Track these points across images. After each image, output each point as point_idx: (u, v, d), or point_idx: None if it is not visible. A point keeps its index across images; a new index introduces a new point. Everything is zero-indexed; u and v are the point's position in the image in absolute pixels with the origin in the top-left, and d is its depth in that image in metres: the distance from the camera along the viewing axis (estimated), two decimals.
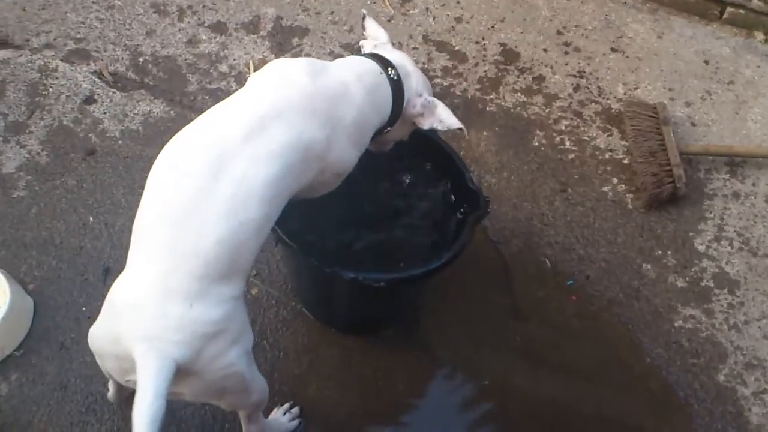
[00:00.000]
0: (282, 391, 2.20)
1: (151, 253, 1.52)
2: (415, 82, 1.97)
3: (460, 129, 1.95)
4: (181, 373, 1.49)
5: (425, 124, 1.97)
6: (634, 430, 2.25)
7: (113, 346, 1.55)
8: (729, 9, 3.34)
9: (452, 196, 2.22)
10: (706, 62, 3.22)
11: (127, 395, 2.13)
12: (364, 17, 2.10)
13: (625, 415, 2.27)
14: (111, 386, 2.07)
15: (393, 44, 2.09)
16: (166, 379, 1.45)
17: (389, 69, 1.90)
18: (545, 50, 3.23)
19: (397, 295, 2.25)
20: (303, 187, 1.75)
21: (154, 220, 1.55)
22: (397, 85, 1.90)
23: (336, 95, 1.76)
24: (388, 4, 3.35)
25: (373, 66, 1.90)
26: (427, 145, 2.22)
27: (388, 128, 1.95)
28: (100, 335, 1.61)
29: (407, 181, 2.29)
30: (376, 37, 2.07)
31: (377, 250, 2.16)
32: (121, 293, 1.55)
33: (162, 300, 1.49)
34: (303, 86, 1.72)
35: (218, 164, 1.55)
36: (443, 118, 1.96)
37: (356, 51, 3.12)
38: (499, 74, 3.12)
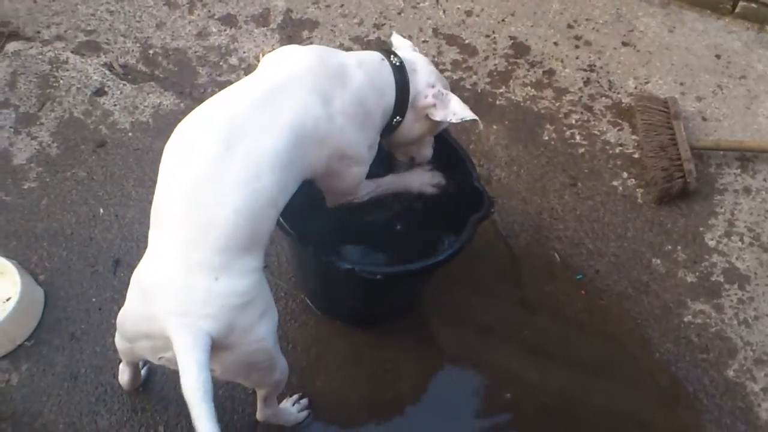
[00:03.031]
0: (290, 383, 2.18)
1: (172, 230, 1.55)
2: (426, 74, 1.96)
3: (475, 120, 1.94)
4: (214, 347, 1.52)
5: (438, 116, 1.95)
6: (642, 425, 2.24)
7: (145, 326, 1.59)
8: (741, 3, 3.31)
9: (458, 194, 2.21)
10: (718, 56, 3.20)
11: (140, 384, 2.15)
12: (391, 35, 2.16)
13: (633, 409, 2.27)
14: (125, 374, 2.09)
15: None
16: (205, 351, 1.48)
17: (392, 56, 1.93)
18: (556, 44, 3.22)
19: (396, 289, 2.25)
20: (318, 169, 1.79)
21: (171, 197, 1.58)
22: (399, 71, 1.91)
23: (336, 75, 1.79)
24: None
25: (376, 54, 1.94)
26: (436, 141, 2.21)
27: (398, 117, 1.94)
28: (131, 317, 1.65)
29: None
30: (398, 45, 2.09)
31: (378, 243, 2.17)
32: (147, 273, 1.58)
33: (188, 275, 1.52)
34: (308, 65, 1.77)
35: (229, 137, 1.58)
36: (457, 111, 1.94)
37: (366, 43, 3.13)
38: (510, 68, 3.12)
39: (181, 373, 1.46)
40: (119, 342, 1.82)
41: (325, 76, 1.77)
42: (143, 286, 1.58)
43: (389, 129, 1.97)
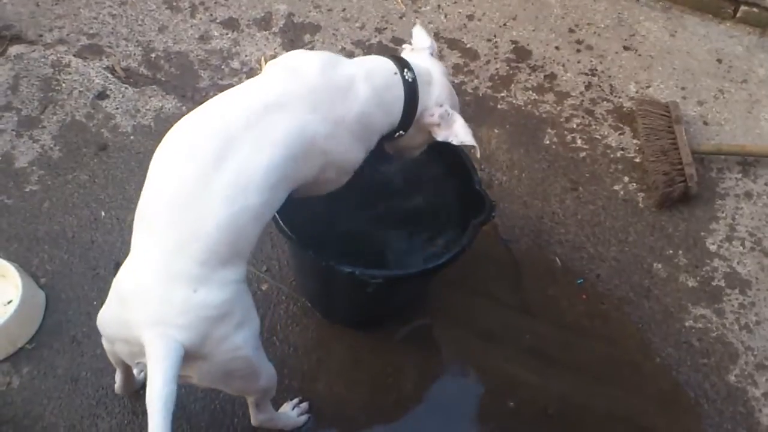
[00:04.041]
0: (291, 387, 2.20)
1: (154, 239, 1.54)
2: (437, 91, 1.92)
3: (474, 147, 1.93)
4: (189, 356, 1.52)
5: (440, 136, 1.93)
6: (643, 430, 2.24)
7: (122, 331, 1.58)
8: (742, 7, 3.32)
9: (459, 197, 2.22)
10: (719, 61, 3.21)
11: (135, 388, 2.15)
12: (414, 25, 2.09)
13: (634, 414, 2.26)
14: (118, 377, 2.09)
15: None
16: (175, 363, 1.47)
17: (405, 70, 1.86)
18: (557, 48, 3.22)
19: (396, 292, 2.25)
20: (307, 180, 1.75)
21: (157, 205, 1.57)
22: (411, 88, 1.86)
23: (340, 90, 1.74)
24: (400, 1, 3.34)
25: (389, 66, 1.87)
26: (437, 144, 2.21)
27: (400, 132, 1.91)
28: (108, 320, 1.64)
29: (415, 179, 2.29)
30: (418, 43, 2.04)
31: (379, 246, 2.17)
32: (126, 279, 1.57)
33: (166, 285, 1.51)
34: (309, 79, 1.72)
35: (220, 150, 1.56)
36: (459, 134, 1.92)
37: (368, 48, 3.13)
38: (511, 72, 3.12)
39: (147, 381, 1.46)
40: (104, 342, 1.80)
41: (327, 91, 1.72)
42: (121, 292, 1.57)
43: (389, 138, 1.94)
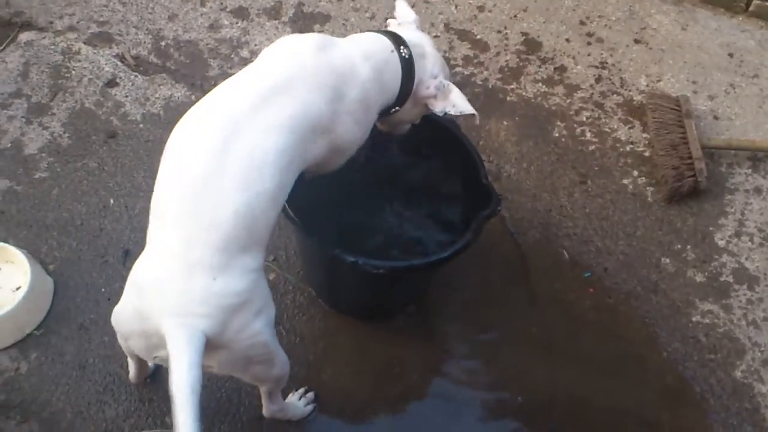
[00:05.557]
0: (297, 377, 2.20)
1: (171, 229, 1.54)
2: (431, 63, 1.95)
3: (473, 115, 1.93)
4: (209, 345, 1.52)
5: (437, 107, 1.95)
6: (649, 424, 2.24)
7: (140, 324, 1.58)
8: (755, 1, 3.29)
9: (466, 190, 2.21)
10: (731, 55, 3.19)
11: (147, 375, 2.16)
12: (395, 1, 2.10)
13: (640, 408, 2.26)
14: (131, 367, 2.10)
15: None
16: (198, 350, 1.48)
17: (401, 47, 1.89)
18: (568, 40, 3.20)
19: (401, 284, 2.25)
20: (316, 160, 1.77)
21: (172, 196, 1.57)
22: (407, 64, 1.88)
23: (341, 71, 1.76)
24: None
25: (385, 43, 1.89)
26: (445, 138, 2.21)
27: (396, 108, 1.94)
28: (126, 314, 1.64)
29: (423, 171, 2.29)
30: (403, 17, 2.05)
31: (387, 238, 2.18)
32: (144, 271, 1.57)
33: (185, 275, 1.51)
34: (309, 61, 1.73)
35: (230, 137, 1.57)
36: (456, 103, 1.93)
37: None
38: (521, 64, 3.11)
39: (171, 371, 1.46)
40: (119, 338, 1.81)
41: (328, 72, 1.74)
42: (140, 283, 1.57)
43: (384, 114, 1.96)
